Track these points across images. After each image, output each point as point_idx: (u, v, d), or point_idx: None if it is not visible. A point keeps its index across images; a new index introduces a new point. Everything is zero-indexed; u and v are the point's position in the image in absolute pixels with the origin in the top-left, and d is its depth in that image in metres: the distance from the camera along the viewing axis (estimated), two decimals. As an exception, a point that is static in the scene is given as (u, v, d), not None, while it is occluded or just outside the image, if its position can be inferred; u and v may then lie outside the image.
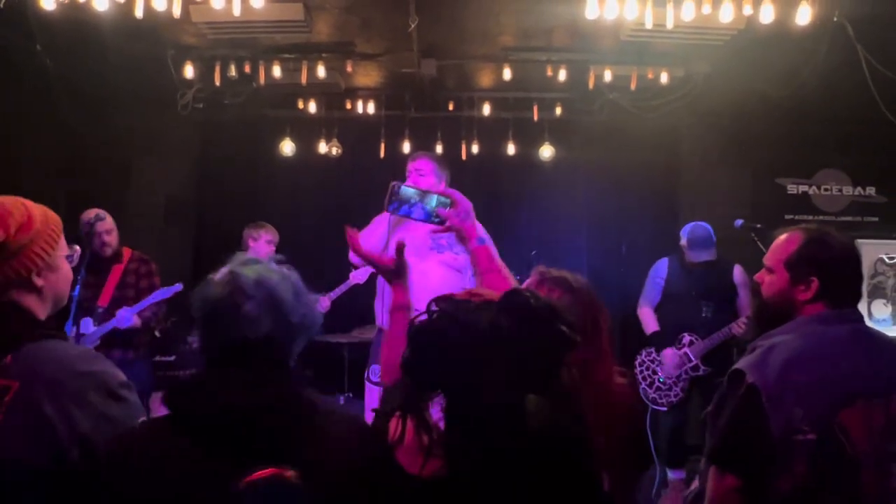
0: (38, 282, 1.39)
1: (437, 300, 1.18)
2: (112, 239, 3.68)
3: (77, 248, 1.53)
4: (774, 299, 1.73)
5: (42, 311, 1.42)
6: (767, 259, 1.77)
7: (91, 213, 3.60)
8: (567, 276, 1.73)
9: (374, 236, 3.05)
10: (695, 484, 1.79)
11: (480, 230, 1.84)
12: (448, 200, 1.69)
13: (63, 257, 1.47)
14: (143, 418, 1.36)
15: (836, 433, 1.51)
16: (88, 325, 3.57)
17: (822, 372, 1.56)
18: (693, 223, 4.15)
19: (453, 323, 1.13)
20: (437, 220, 1.70)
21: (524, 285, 1.77)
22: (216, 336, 1.24)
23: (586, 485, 1.19)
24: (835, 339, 1.62)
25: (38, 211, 1.43)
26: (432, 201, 1.70)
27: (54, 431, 1.23)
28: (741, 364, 1.62)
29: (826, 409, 1.52)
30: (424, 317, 1.17)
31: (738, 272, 4.06)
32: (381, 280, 3.26)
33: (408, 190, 1.69)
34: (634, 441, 1.70)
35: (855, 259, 1.71)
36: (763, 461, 1.53)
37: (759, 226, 3.69)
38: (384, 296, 3.23)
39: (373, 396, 3.14)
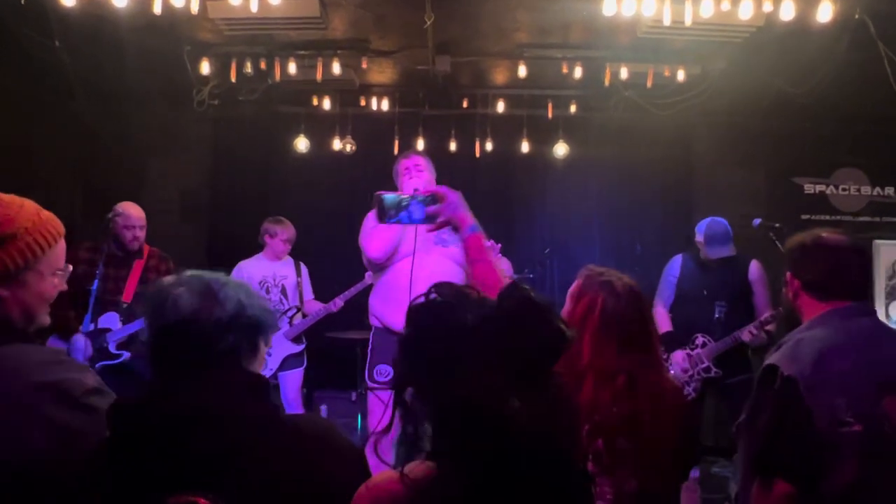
0: (2, 292, 1.28)
1: (438, 285, 1.16)
2: (143, 234, 3.74)
3: (69, 266, 1.42)
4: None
5: (16, 315, 1.30)
6: None
7: (119, 207, 3.62)
8: (612, 279, 1.72)
9: (389, 233, 3.00)
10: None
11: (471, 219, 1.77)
12: (431, 197, 1.66)
13: (42, 274, 1.33)
14: None
15: (882, 422, 1.45)
16: (114, 321, 3.56)
17: (859, 360, 1.53)
18: (709, 218, 3.97)
19: (450, 309, 1.10)
20: (429, 219, 1.66)
21: (572, 290, 1.78)
22: (185, 344, 1.18)
23: (572, 491, 1.13)
24: (861, 330, 1.62)
25: (26, 218, 1.31)
26: (420, 202, 1.66)
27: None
28: (773, 359, 1.59)
29: (870, 397, 1.48)
30: (423, 299, 1.16)
31: (754, 268, 3.88)
32: (383, 280, 3.14)
33: (393, 197, 1.67)
34: (684, 439, 1.61)
35: (833, 252, 1.71)
36: (812, 459, 1.45)
37: (776, 225, 3.62)
38: (378, 293, 3.14)
39: (381, 399, 2.95)
